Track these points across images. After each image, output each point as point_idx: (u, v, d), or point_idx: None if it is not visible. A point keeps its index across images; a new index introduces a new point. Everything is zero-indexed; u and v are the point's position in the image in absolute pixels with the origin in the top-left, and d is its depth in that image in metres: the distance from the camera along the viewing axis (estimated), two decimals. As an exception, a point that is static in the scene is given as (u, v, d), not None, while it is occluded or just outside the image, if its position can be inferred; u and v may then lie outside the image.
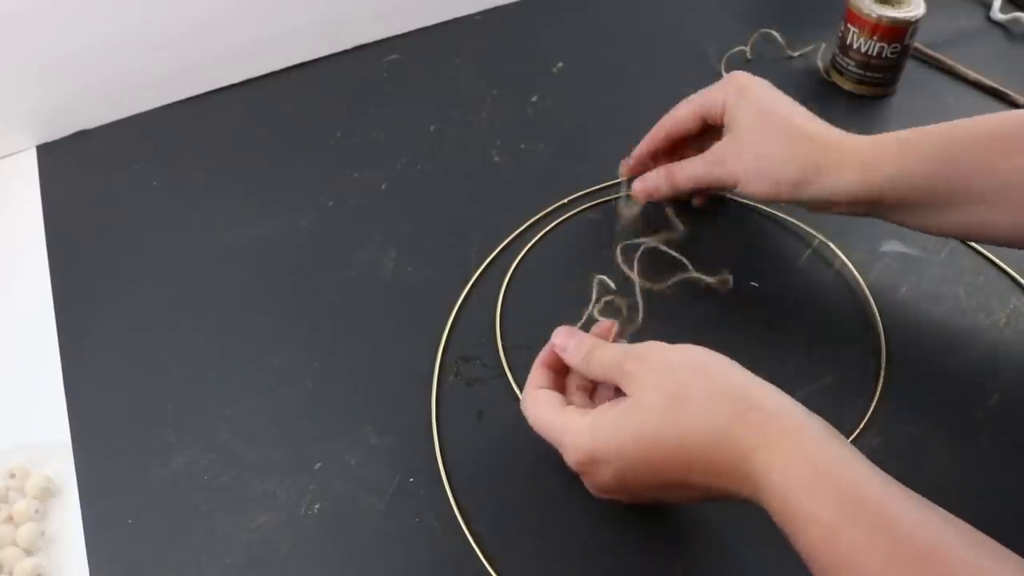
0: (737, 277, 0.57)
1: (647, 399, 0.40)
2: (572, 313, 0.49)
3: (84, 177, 0.66)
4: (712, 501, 0.40)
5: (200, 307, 0.57)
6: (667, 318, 0.53)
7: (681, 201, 0.59)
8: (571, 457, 0.42)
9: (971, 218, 0.48)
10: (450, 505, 0.46)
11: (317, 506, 0.47)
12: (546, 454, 0.48)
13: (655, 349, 0.42)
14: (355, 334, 0.55)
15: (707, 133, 0.57)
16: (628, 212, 0.59)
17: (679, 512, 0.46)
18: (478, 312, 0.55)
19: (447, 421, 0.50)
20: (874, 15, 0.66)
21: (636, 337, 0.47)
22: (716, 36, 0.75)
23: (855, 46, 0.68)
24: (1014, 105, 0.69)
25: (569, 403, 0.44)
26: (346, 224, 0.61)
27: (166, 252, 0.60)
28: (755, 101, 0.54)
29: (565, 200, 0.62)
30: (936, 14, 0.69)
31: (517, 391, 0.51)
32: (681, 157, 0.58)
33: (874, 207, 0.50)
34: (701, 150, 0.56)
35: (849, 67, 0.70)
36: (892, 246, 0.59)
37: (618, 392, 0.42)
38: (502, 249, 0.59)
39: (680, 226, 0.57)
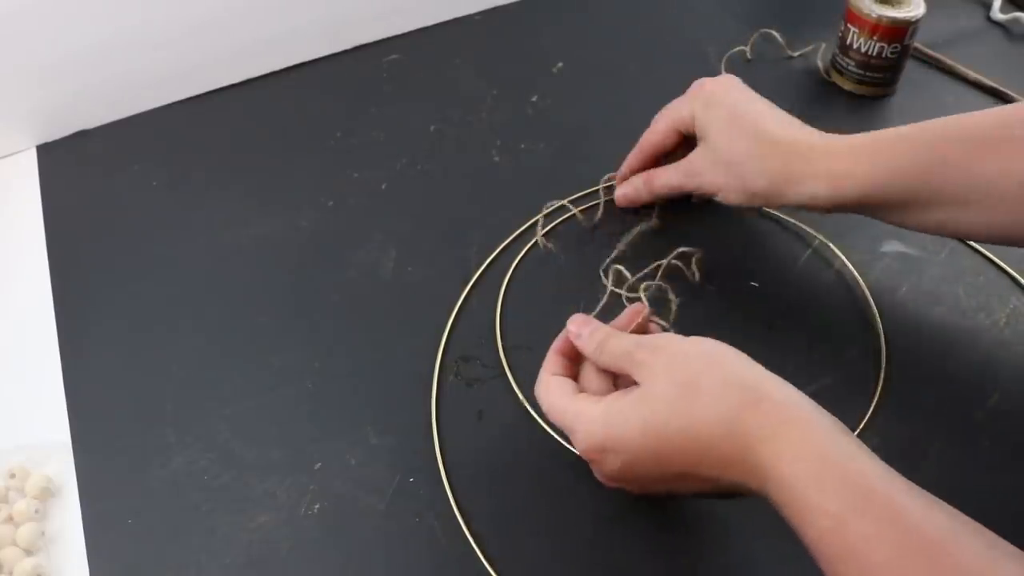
0: (737, 277, 0.57)
1: (659, 388, 0.40)
2: (572, 313, 0.49)
3: (84, 177, 0.66)
4: (720, 494, 0.40)
5: (200, 307, 0.57)
6: (667, 318, 0.53)
7: (679, 200, 0.59)
8: (581, 445, 0.42)
9: (948, 219, 0.47)
10: (450, 505, 0.46)
11: (317, 506, 0.47)
12: (546, 453, 0.48)
13: (668, 339, 0.43)
14: (355, 334, 0.55)
15: (689, 142, 0.57)
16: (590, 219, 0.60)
17: (681, 510, 0.46)
18: (478, 312, 0.55)
19: (447, 421, 0.50)
20: (874, 15, 0.66)
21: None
22: (716, 36, 0.75)
23: (855, 46, 0.68)
24: (1014, 105, 0.69)
25: (582, 390, 0.44)
26: (346, 224, 0.61)
27: (166, 252, 0.60)
28: (722, 109, 0.54)
29: (565, 200, 0.62)
30: (936, 14, 0.69)
31: (517, 391, 0.51)
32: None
33: (853, 209, 0.50)
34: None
35: (849, 67, 0.70)
36: (892, 246, 0.59)
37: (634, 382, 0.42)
38: (502, 249, 0.59)
39: (653, 219, 0.59)
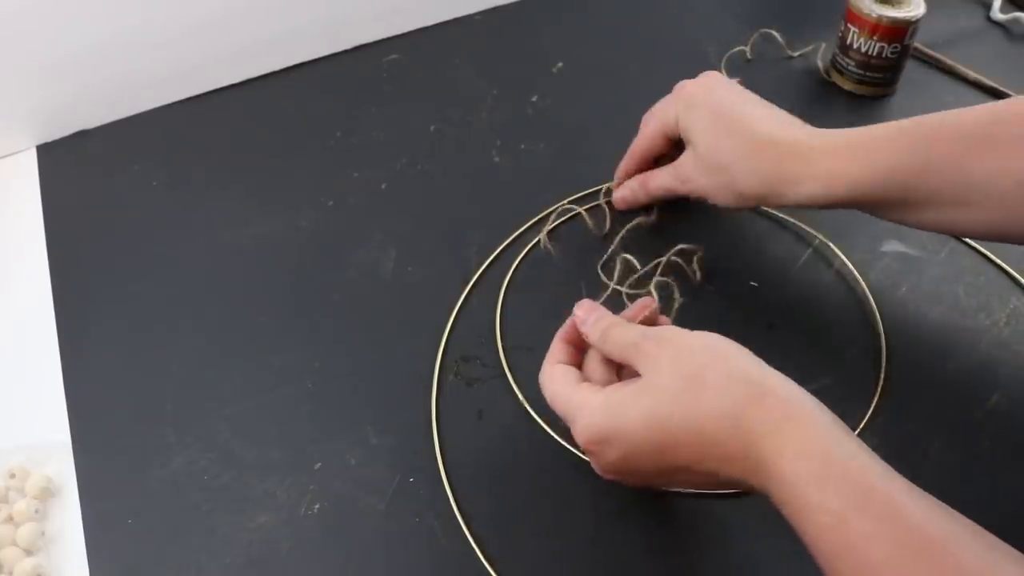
0: (737, 277, 0.57)
1: (663, 380, 0.40)
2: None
3: (84, 177, 0.66)
4: (718, 490, 0.40)
5: (200, 307, 0.57)
6: (668, 315, 0.53)
7: (679, 199, 0.59)
8: (580, 436, 0.42)
9: (946, 217, 0.47)
10: (450, 505, 0.46)
11: (317, 506, 0.47)
12: (547, 453, 0.48)
13: (674, 332, 0.42)
14: (355, 334, 0.55)
15: (679, 144, 0.56)
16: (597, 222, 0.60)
17: (681, 510, 0.46)
18: (478, 312, 0.55)
19: (447, 421, 0.50)
20: (874, 15, 0.66)
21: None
22: (716, 36, 0.75)
23: (855, 46, 0.68)
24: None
25: (585, 379, 0.44)
26: (346, 224, 0.61)
27: (166, 252, 0.60)
28: (704, 110, 0.53)
29: (565, 201, 0.62)
30: (936, 14, 0.69)
31: (517, 391, 0.51)
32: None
33: (848, 207, 0.50)
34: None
35: (849, 67, 0.70)
36: (892, 246, 0.59)
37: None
38: (502, 249, 0.59)
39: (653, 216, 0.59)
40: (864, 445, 0.36)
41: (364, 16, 0.76)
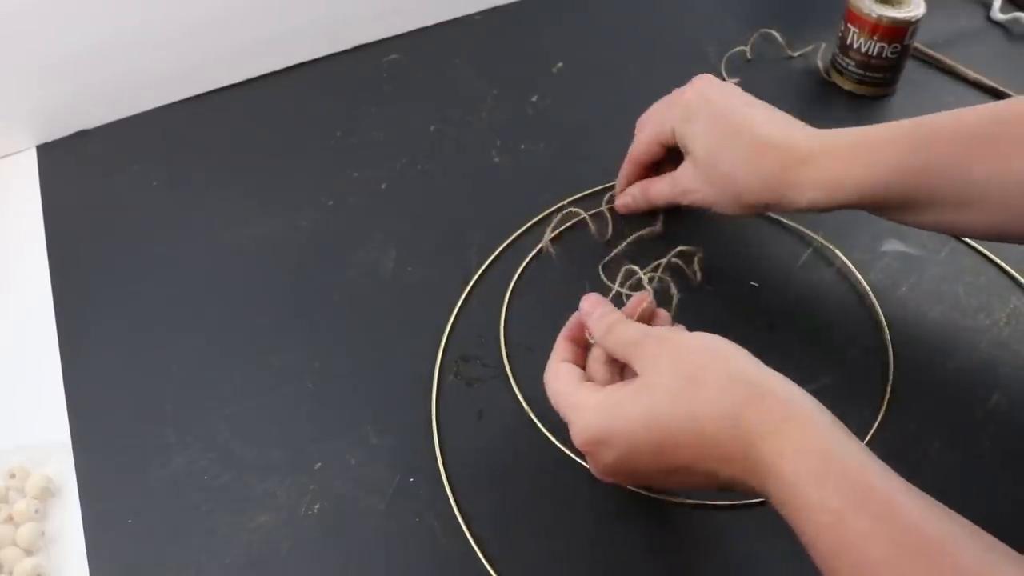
0: (737, 277, 0.57)
1: (662, 380, 0.40)
2: (572, 315, 0.49)
3: (84, 177, 0.66)
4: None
5: (200, 307, 0.57)
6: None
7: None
8: (576, 437, 0.42)
9: (947, 218, 0.47)
10: (450, 505, 0.46)
11: (317, 506, 0.47)
12: (547, 453, 0.48)
13: (673, 332, 0.42)
14: (355, 334, 0.55)
15: (674, 151, 0.56)
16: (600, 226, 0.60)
17: (681, 510, 0.46)
18: (478, 312, 0.55)
19: (447, 421, 0.50)
20: (874, 15, 0.66)
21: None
22: (716, 36, 0.75)
23: (855, 46, 0.68)
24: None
25: (588, 378, 0.44)
26: (346, 224, 0.61)
27: (166, 252, 0.60)
28: (704, 121, 0.52)
29: (565, 201, 0.62)
30: (936, 14, 0.69)
31: (517, 391, 0.51)
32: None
33: (849, 208, 0.49)
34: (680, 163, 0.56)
35: (849, 67, 0.70)
36: (892, 245, 0.59)
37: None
38: (502, 249, 0.59)
39: (659, 227, 0.59)
40: (863, 445, 0.36)
41: (364, 16, 0.76)
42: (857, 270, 0.57)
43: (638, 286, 0.55)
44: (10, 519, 0.46)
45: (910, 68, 0.70)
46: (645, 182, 0.58)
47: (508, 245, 0.59)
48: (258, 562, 0.45)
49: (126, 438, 0.50)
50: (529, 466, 0.48)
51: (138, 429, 0.50)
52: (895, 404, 0.50)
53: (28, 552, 0.45)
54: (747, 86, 0.55)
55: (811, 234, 0.59)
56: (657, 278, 0.54)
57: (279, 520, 0.46)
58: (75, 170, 0.67)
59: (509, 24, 0.79)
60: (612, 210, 0.61)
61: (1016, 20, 0.77)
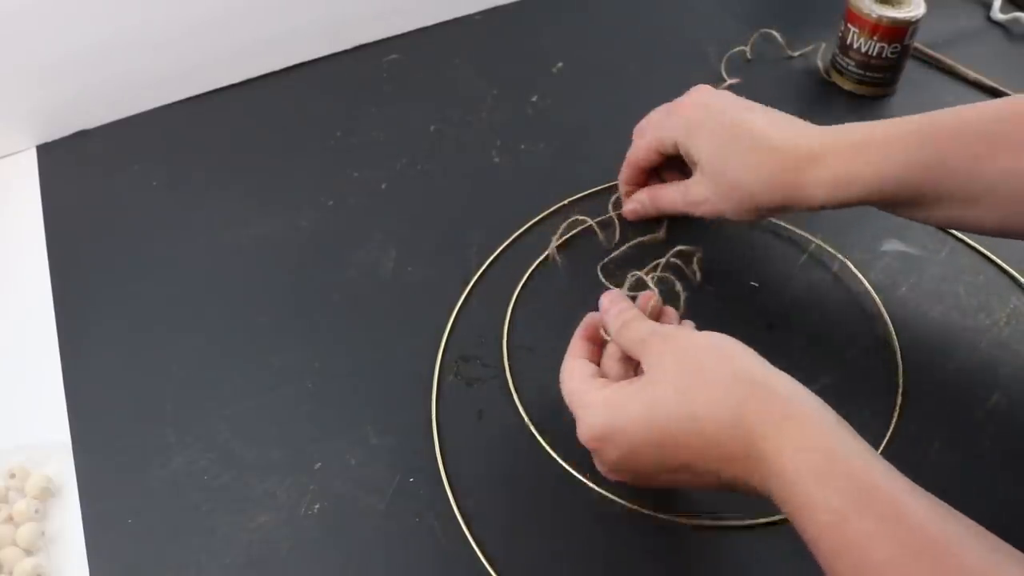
0: (737, 277, 0.57)
1: (667, 378, 0.40)
2: (575, 315, 0.49)
3: (84, 177, 0.66)
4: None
5: (200, 307, 0.57)
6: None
7: None
8: (582, 435, 0.42)
9: (956, 214, 0.47)
10: (450, 505, 0.46)
11: (317, 506, 0.47)
12: (547, 453, 0.48)
13: (680, 330, 0.43)
14: (355, 334, 0.55)
15: (672, 158, 0.56)
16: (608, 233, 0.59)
17: (681, 510, 0.46)
18: (478, 312, 0.55)
19: (447, 421, 0.50)
20: (874, 15, 0.66)
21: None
22: (716, 36, 0.75)
23: (855, 46, 0.68)
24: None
25: (602, 375, 0.44)
26: (346, 224, 0.61)
27: (166, 252, 0.60)
28: (708, 133, 0.52)
29: (566, 201, 0.61)
30: (936, 14, 0.69)
31: (514, 393, 0.51)
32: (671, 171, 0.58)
33: (861, 205, 0.49)
34: (681, 164, 0.56)
35: (849, 67, 0.70)
36: (892, 245, 0.59)
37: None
38: (502, 249, 0.59)
39: (662, 233, 0.58)
40: (867, 445, 0.36)
41: (364, 16, 0.76)
42: (857, 270, 0.57)
43: (642, 286, 0.54)
44: (10, 519, 0.46)
45: (910, 68, 0.70)
46: (653, 189, 0.58)
47: (508, 245, 0.59)
48: (258, 562, 0.45)
49: (126, 438, 0.50)
50: (529, 466, 0.48)
51: (138, 429, 0.50)
52: (894, 404, 0.50)
53: (28, 552, 0.45)
54: (747, 86, 0.55)
55: (810, 235, 0.59)
56: (657, 277, 0.54)
57: (279, 520, 0.46)
58: (75, 170, 0.67)
59: (509, 24, 0.79)
60: (620, 216, 0.60)
61: (1016, 20, 0.77)
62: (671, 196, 0.56)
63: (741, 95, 0.54)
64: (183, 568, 0.45)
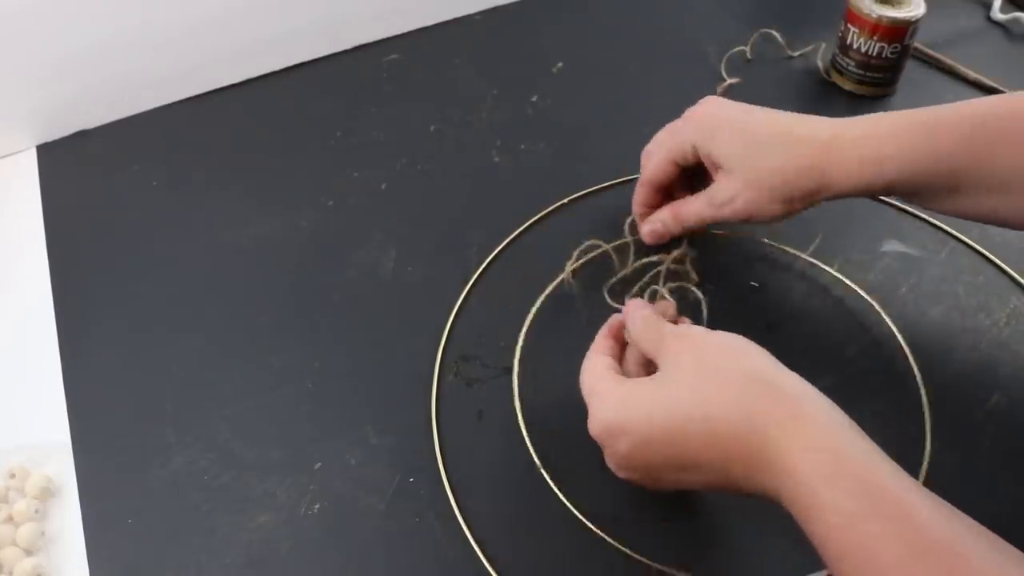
0: (737, 277, 0.57)
1: (681, 376, 0.40)
2: (575, 315, 0.49)
3: (84, 177, 0.66)
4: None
5: (200, 307, 0.57)
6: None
7: None
8: (592, 429, 0.42)
9: (981, 204, 0.47)
10: (450, 505, 0.46)
11: (317, 506, 0.47)
12: (546, 453, 0.48)
13: (695, 330, 0.43)
14: (355, 334, 0.55)
15: (685, 171, 0.55)
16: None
17: (682, 510, 0.46)
18: (478, 312, 0.55)
19: (447, 421, 0.50)
20: (874, 15, 0.66)
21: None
22: (716, 36, 0.75)
23: (855, 46, 0.68)
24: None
25: (624, 374, 0.44)
26: (346, 224, 0.61)
27: (166, 252, 0.60)
28: (730, 130, 0.51)
29: (566, 200, 0.62)
30: (936, 14, 0.69)
31: (516, 393, 0.51)
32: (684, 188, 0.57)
33: (890, 194, 0.49)
34: (692, 184, 0.55)
35: (849, 67, 0.70)
36: (892, 246, 0.59)
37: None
38: (502, 249, 0.59)
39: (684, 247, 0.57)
40: (874, 444, 0.36)
41: (364, 16, 0.76)
42: (857, 271, 0.57)
43: (654, 298, 0.54)
44: (10, 519, 0.46)
45: (910, 68, 0.70)
46: (674, 205, 0.56)
47: (508, 245, 0.59)
48: (258, 562, 0.45)
49: (126, 438, 0.50)
50: (529, 466, 0.48)
51: (138, 429, 0.50)
52: (894, 404, 0.50)
53: (28, 552, 0.45)
54: (747, 86, 0.55)
55: (811, 236, 0.59)
56: (662, 290, 0.54)
57: (279, 520, 0.46)
58: (75, 170, 0.67)
59: (509, 24, 0.79)
60: (637, 240, 0.58)
61: (1016, 20, 0.77)
62: (695, 206, 0.54)
63: (741, 95, 0.54)
64: (183, 568, 0.45)
